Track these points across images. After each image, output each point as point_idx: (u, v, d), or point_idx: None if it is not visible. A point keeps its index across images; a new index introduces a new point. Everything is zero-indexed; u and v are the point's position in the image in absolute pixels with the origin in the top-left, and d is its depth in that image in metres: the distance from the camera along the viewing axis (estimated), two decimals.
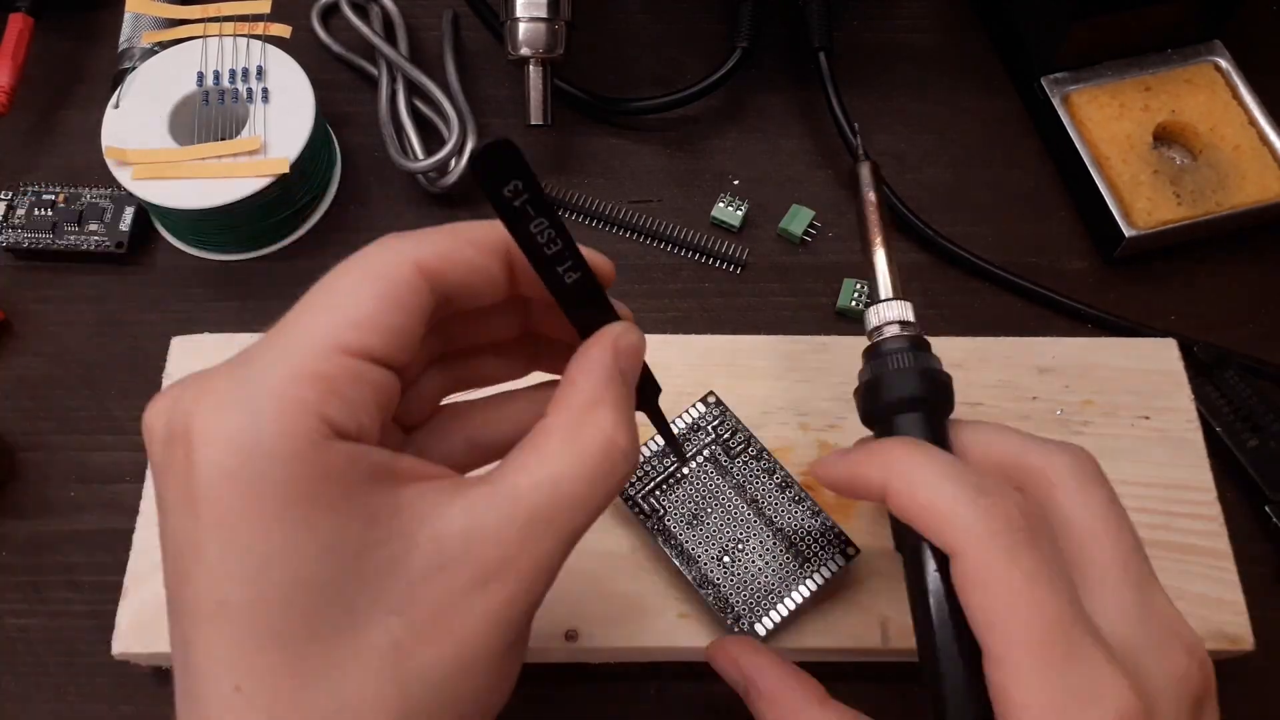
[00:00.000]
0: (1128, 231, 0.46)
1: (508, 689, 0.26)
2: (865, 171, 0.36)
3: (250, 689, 0.22)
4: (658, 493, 0.38)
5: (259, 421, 0.22)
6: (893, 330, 0.33)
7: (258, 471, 0.22)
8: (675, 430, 0.39)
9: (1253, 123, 0.48)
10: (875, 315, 0.34)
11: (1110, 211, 0.46)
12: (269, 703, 0.22)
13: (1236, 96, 0.49)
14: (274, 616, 0.22)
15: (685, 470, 0.38)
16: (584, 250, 0.26)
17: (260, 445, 0.22)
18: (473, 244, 0.26)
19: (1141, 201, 0.46)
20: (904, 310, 0.33)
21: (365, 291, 0.24)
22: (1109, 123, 0.48)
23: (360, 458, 0.23)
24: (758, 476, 0.38)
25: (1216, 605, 0.37)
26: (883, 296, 0.34)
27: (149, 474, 0.25)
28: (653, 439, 0.38)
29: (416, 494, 0.24)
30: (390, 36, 0.52)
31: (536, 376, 0.31)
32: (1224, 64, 0.49)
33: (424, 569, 0.24)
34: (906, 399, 0.31)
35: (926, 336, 0.44)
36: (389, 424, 0.26)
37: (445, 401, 0.30)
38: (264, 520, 0.22)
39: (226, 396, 0.23)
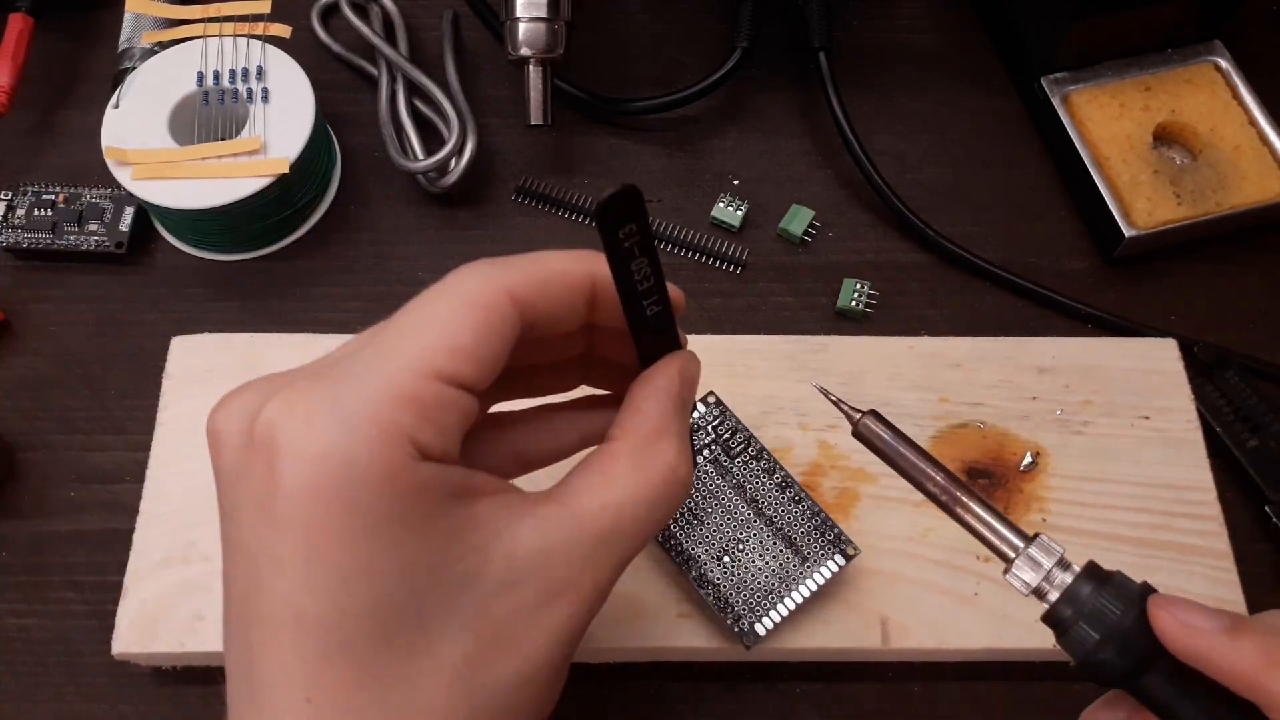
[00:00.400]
0: (1128, 231, 0.46)
1: (558, 697, 0.27)
2: (872, 425, 0.30)
3: (321, 701, 0.22)
4: None
5: (353, 442, 0.22)
6: (1067, 573, 0.28)
7: (349, 492, 0.22)
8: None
9: (1253, 123, 0.48)
10: (1032, 570, 0.28)
11: (1110, 211, 0.46)
12: (339, 715, 0.22)
13: (1236, 96, 0.49)
14: (351, 631, 0.22)
15: None
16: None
17: (353, 466, 0.22)
18: (562, 276, 0.27)
19: (1141, 201, 0.46)
20: (1050, 547, 0.28)
21: (464, 320, 0.24)
22: (1109, 123, 0.48)
23: (444, 478, 0.24)
24: (758, 476, 0.38)
25: (1216, 605, 0.37)
26: (1014, 544, 0.28)
27: (215, 479, 0.25)
28: None
29: (490, 509, 0.25)
30: (390, 36, 0.52)
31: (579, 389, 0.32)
32: (1224, 64, 0.49)
33: (496, 585, 0.24)
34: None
35: (926, 335, 0.44)
36: None
37: (491, 410, 0.30)
38: (351, 539, 0.22)
39: (318, 411, 0.23)
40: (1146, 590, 0.27)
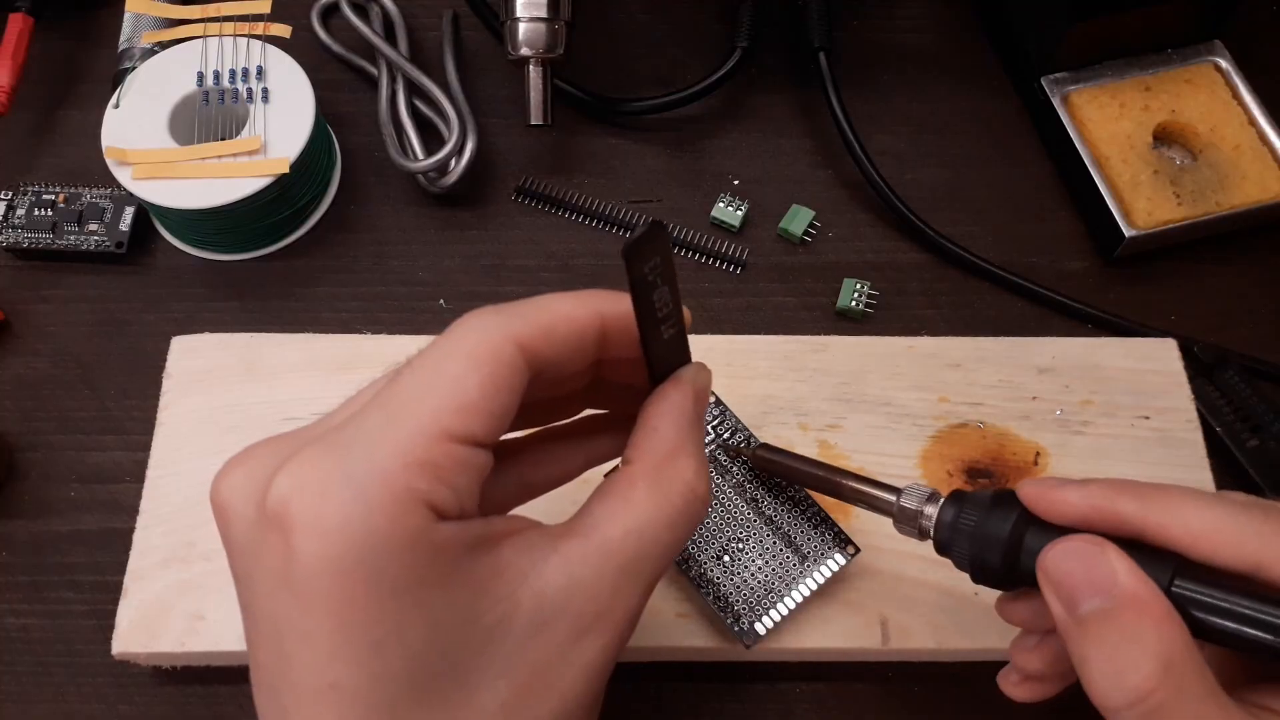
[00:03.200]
0: (1128, 232, 0.46)
1: None
2: (763, 454, 0.36)
3: None
4: None
5: (369, 513, 0.22)
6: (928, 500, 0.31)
7: (371, 562, 0.22)
8: None
9: (1253, 123, 0.48)
10: (914, 499, 0.31)
11: (1110, 211, 0.46)
12: None
13: (1236, 96, 0.49)
14: (389, 694, 0.23)
15: None
16: None
17: (373, 536, 0.22)
18: (569, 320, 0.26)
19: (1141, 202, 0.46)
20: (917, 490, 0.32)
21: (471, 377, 0.24)
22: (1109, 123, 0.48)
23: (465, 534, 0.24)
24: (758, 476, 0.38)
25: None
26: (888, 500, 0.32)
27: (225, 549, 0.25)
28: None
29: (513, 552, 0.25)
30: (390, 36, 0.52)
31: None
32: (1224, 64, 0.49)
33: (527, 628, 0.24)
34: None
35: (926, 335, 0.44)
36: None
37: None
38: (377, 606, 0.22)
39: (332, 482, 0.23)
40: (999, 494, 0.29)
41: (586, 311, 0.27)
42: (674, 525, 0.26)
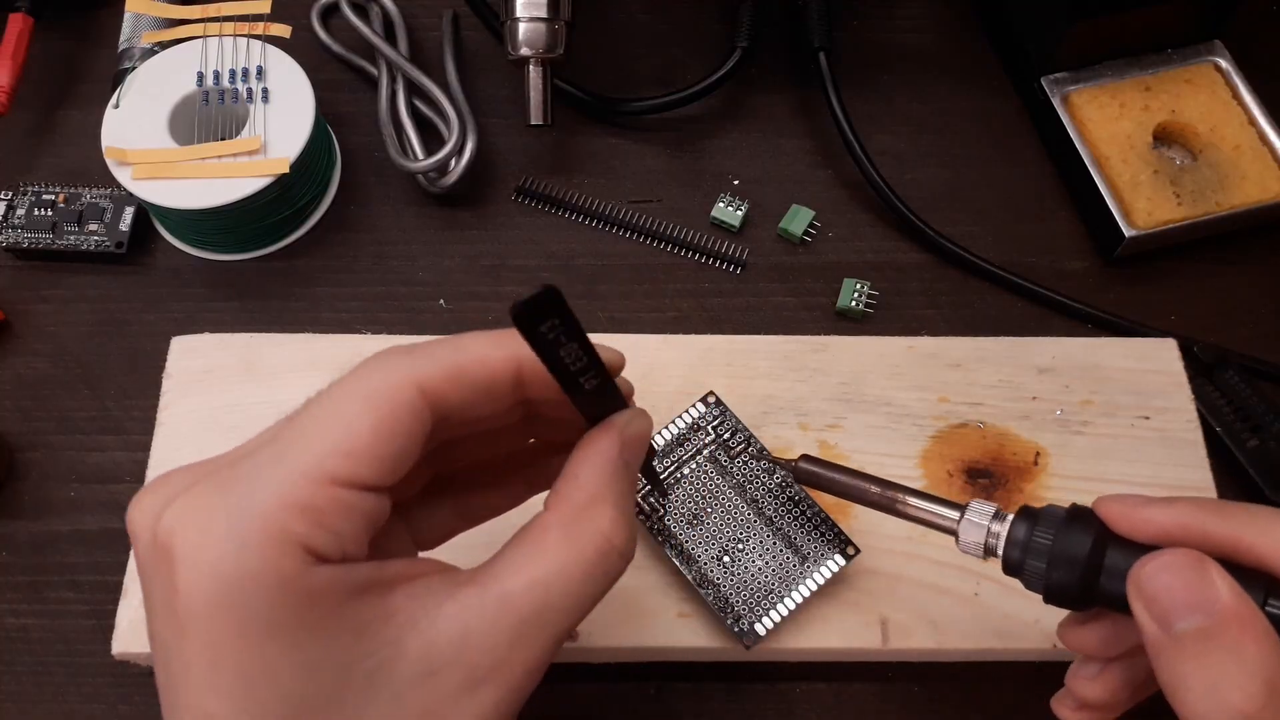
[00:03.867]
0: (1128, 232, 0.46)
1: None
2: (807, 467, 0.36)
3: None
4: (657, 493, 0.38)
5: (244, 552, 0.22)
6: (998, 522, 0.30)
7: (242, 600, 0.22)
8: (676, 430, 0.39)
9: (1253, 123, 0.48)
10: (979, 516, 0.30)
11: (1110, 211, 0.46)
12: None
13: (1236, 96, 0.49)
14: None
15: (685, 470, 0.38)
16: (599, 349, 0.26)
17: (244, 576, 0.22)
18: (482, 363, 0.26)
19: (1141, 202, 0.46)
20: (981, 508, 0.31)
21: (364, 420, 0.24)
22: (1109, 123, 0.48)
23: (345, 578, 0.24)
24: (758, 476, 0.38)
25: None
26: (951, 517, 0.31)
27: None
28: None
29: (406, 596, 0.24)
30: (390, 36, 0.52)
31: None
32: (1224, 64, 0.49)
33: (413, 675, 0.24)
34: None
35: (926, 335, 0.44)
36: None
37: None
38: (249, 644, 0.22)
39: (211, 520, 0.23)
40: (1075, 510, 0.29)
41: (501, 354, 0.26)
42: (586, 577, 0.26)
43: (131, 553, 0.25)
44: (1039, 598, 0.38)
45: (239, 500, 0.23)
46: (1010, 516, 0.30)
